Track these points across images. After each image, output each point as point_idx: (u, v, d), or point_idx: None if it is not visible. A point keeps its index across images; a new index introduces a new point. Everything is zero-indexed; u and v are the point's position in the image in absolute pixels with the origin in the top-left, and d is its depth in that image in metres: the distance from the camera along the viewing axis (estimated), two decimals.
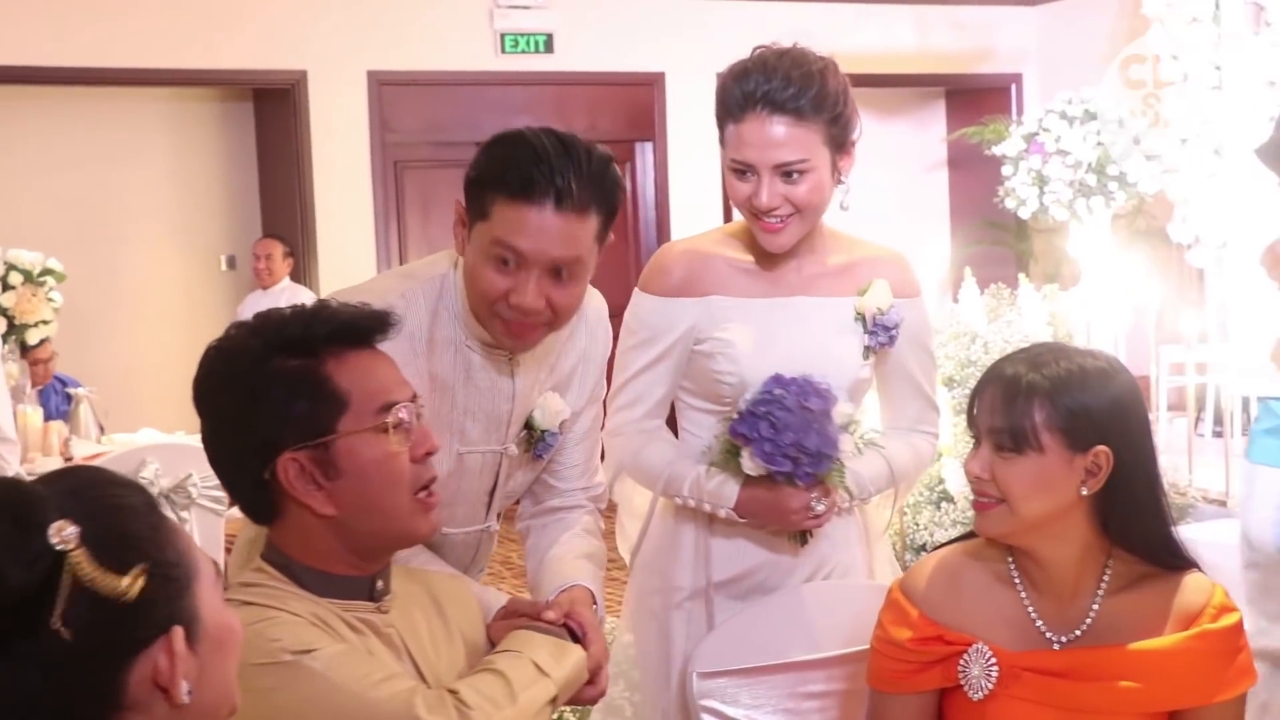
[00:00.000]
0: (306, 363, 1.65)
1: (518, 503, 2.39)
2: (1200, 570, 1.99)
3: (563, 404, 2.23)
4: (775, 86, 2.27)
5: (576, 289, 2.06)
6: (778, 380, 2.30)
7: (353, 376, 1.66)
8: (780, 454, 2.26)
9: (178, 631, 1.17)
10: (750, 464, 2.30)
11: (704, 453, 2.41)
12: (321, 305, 1.71)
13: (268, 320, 1.69)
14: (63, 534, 1.11)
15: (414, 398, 1.72)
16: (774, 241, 2.35)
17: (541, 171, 1.96)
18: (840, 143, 2.33)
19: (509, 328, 2.06)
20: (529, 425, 2.22)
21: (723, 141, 2.36)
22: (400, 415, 1.68)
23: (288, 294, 7.73)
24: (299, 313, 1.68)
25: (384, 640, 1.71)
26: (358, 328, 1.69)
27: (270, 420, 1.63)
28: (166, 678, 1.16)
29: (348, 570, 1.70)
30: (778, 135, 2.28)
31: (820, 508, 2.34)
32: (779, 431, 2.25)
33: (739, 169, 2.33)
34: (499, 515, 2.32)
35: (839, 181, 2.37)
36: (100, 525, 1.14)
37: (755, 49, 2.36)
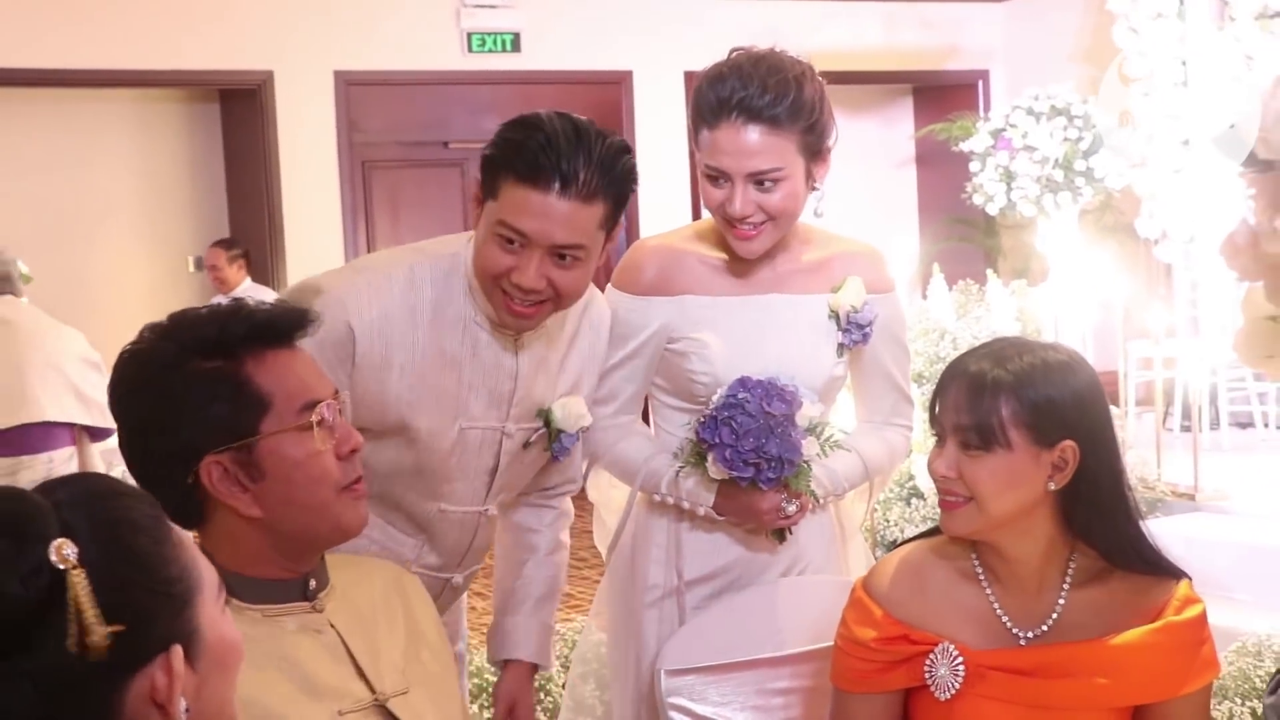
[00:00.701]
0: (225, 364, 1.62)
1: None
2: (1177, 575, 1.98)
3: (584, 409, 2.28)
4: (751, 94, 2.25)
5: (578, 273, 2.09)
6: (742, 383, 2.30)
7: (272, 376, 1.64)
8: (741, 460, 2.26)
9: (176, 650, 1.15)
10: (714, 469, 2.31)
11: (676, 452, 2.41)
12: (238, 305, 1.68)
13: (181, 322, 1.65)
14: (62, 553, 1.09)
15: (335, 394, 1.71)
16: (746, 248, 2.35)
17: (549, 157, 2.01)
18: (815, 150, 2.32)
19: (510, 305, 2.09)
20: (547, 422, 2.25)
21: (697, 145, 2.35)
22: (323, 413, 1.66)
23: (250, 296, 7.65)
24: (215, 313, 1.66)
25: (320, 642, 1.68)
26: (276, 326, 1.67)
27: (190, 424, 1.60)
28: (164, 695, 1.14)
29: (279, 573, 1.67)
30: (752, 143, 2.26)
31: (791, 509, 2.34)
32: (740, 437, 2.25)
33: (713, 175, 2.32)
34: (498, 503, 2.34)
35: (814, 188, 2.36)
36: (103, 540, 1.12)
37: (731, 51, 2.34)
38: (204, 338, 1.62)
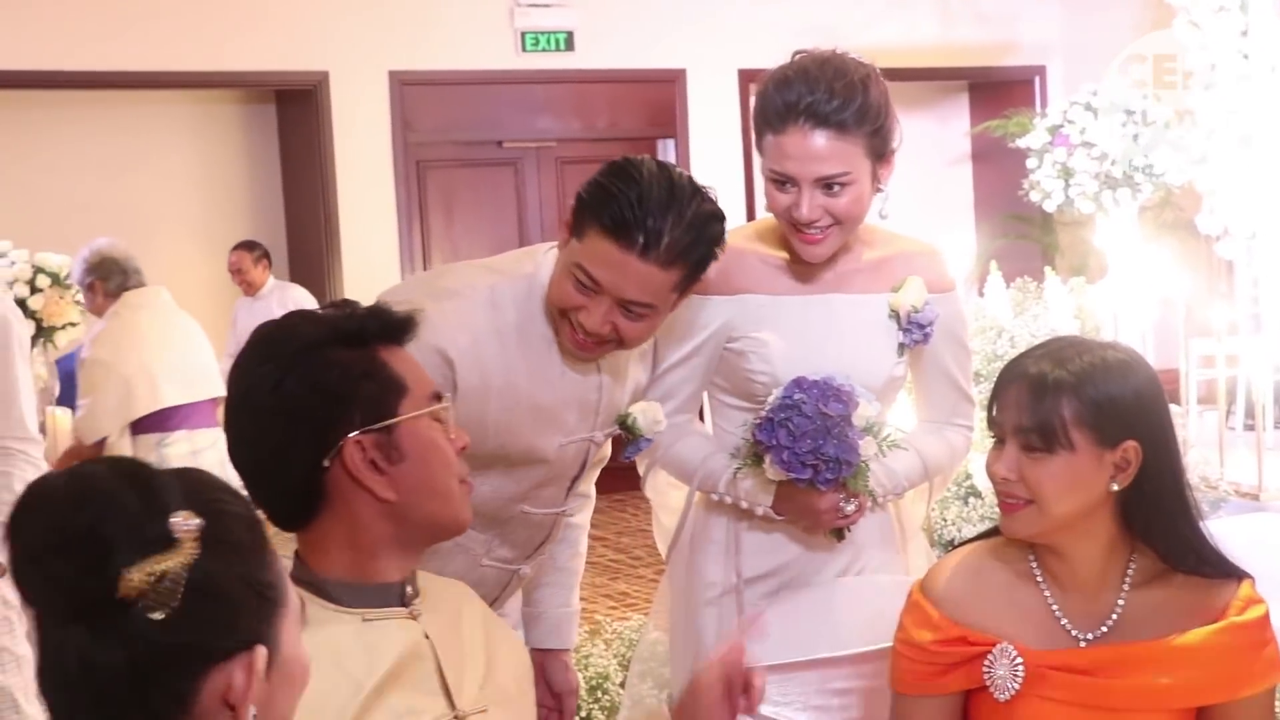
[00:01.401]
0: (363, 352, 1.66)
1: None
2: (1239, 576, 1.95)
3: (661, 414, 2.32)
4: (818, 99, 2.24)
5: (643, 326, 2.13)
6: (798, 384, 2.29)
7: (404, 366, 1.68)
8: (799, 462, 2.25)
9: (260, 651, 1.18)
10: (772, 471, 2.30)
11: (734, 453, 2.41)
12: (359, 305, 1.71)
13: (310, 316, 1.70)
14: (186, 524, 1.13)
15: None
16: (812, 253, 2.34)
17: (637, 217, 2.02)
18: (881, 153, 2.31)
19: (574, 337, 2.13)
20: (629, 428, 2.29)
21: (761, 149, 2.34)
22: (445, 405, 1.71)
23: (277, 293, 7.72)
24: (345, 312, 1.69)
25: (412, 650, 1.68)
26: (400, 326, 1.71)
27: (335, 404, 1.62)
28: (239, 695, 1.17)
29: (384, 572, 1.68)
30: (819, 148, 2.25)
31: (850, 508, 2.34)
32: (797, 439, 2.25)
33: (778, 180, 2.31)
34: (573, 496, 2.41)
35: (878, 189, 2.35)
36: (212, 525, 1.16)
37: (795, 54, 2.33)
38: (343, 330, 1.65)
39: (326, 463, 1.62)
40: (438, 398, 1.70)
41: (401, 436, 1.64)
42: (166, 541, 1.13)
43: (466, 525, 1.75)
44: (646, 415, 2.30)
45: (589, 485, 2.52)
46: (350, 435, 1.62)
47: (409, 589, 1.71)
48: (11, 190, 8.02)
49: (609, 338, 2.11)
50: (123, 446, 5.02)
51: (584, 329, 2.10)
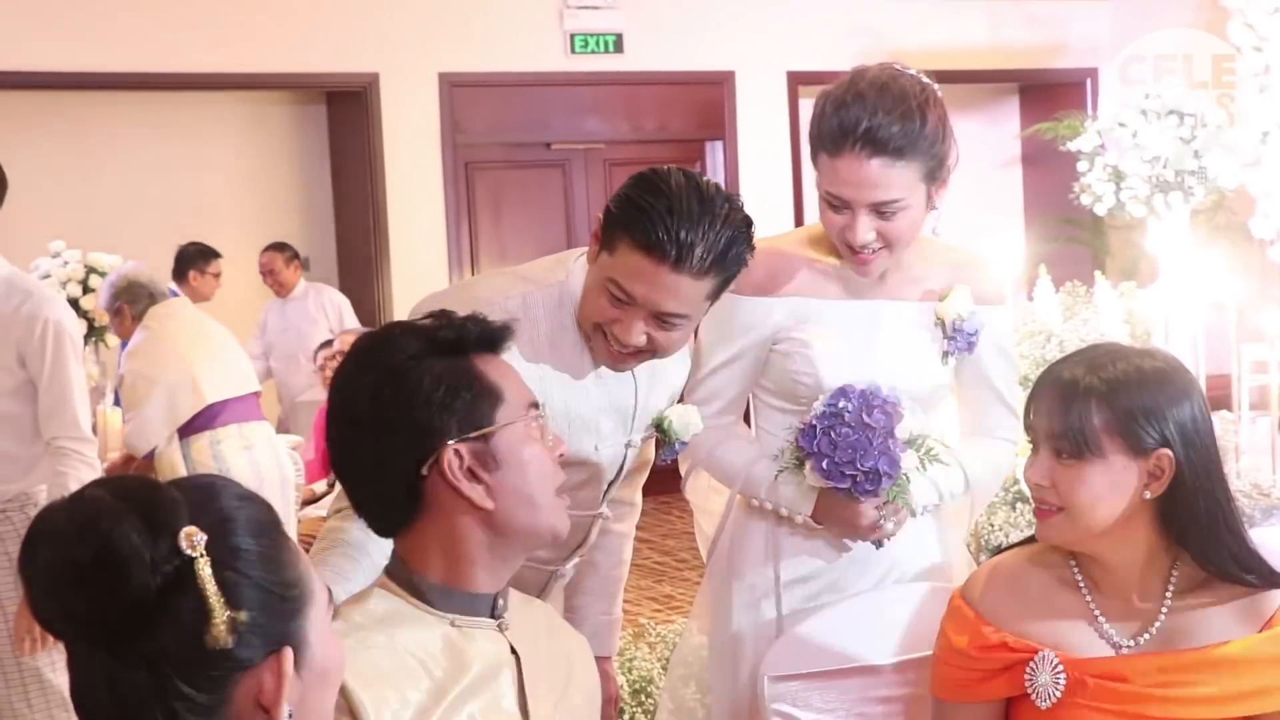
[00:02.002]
0: (459, 361, 1.67)
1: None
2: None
3: (697, 417, 2.32)
4: (877, 124, 2.22)
5: (678, 335, 2.13)
6: (843, 392, 2.29)
7: (500, 374, 1.70)
8: (838, 471, 2.25)
9: (287, 653, 1.18)
10: (812, 478, 2.30)
11: (777, 456, 2.41)
12: (456, 315, 1.73)
13: (410, 326, 1.72)
14: (191, 540, 1.13)
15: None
16: (865, 271, 2.35)
17: (669, 230, 2.01)
18: (937, 175, 2.30)
19: (609, 349, 2.13)
20: (664, 431, 2.29)
21: (815, 167, 2.32)
22: (542, 413, 1.72)
23: (313, 294, 7.75)
24: (443, 321, 1.70)
25: (497, 661, 1.70)
26: (496, 336, 1.72)
27: (433, 413, 1.63)
28: (270, 698, 1.17)
29: (479, 582, 1.70)
30: (875, 175, 2.23)
31: (889, 527, 2.33)
32: (838, 449, 2.25)
33: (833, 202, 2.30)
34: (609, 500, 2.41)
35: (933, 208, 2.34)
36: (225, 535, 1.16)
37: (853, 71, 2.31)
38: (441, 339, 1.67)
39: (425, 471, 1.64)
40: (535, 406, 1.71)
41: (499, 444, 1.66)
42: (176, 560, 1.13)
43: (562, 535, 1.75)
44: (682, 419, 2.30)
45: (633, 492, 2.52)
46: (448, 444, 1.63)
47: (501, 601, 1.73)
48: (64, 190, 8.11)
49: (644, 348, 2.11)
50: (171, 452, 5.06)
51: (619, 341, 2.10)
